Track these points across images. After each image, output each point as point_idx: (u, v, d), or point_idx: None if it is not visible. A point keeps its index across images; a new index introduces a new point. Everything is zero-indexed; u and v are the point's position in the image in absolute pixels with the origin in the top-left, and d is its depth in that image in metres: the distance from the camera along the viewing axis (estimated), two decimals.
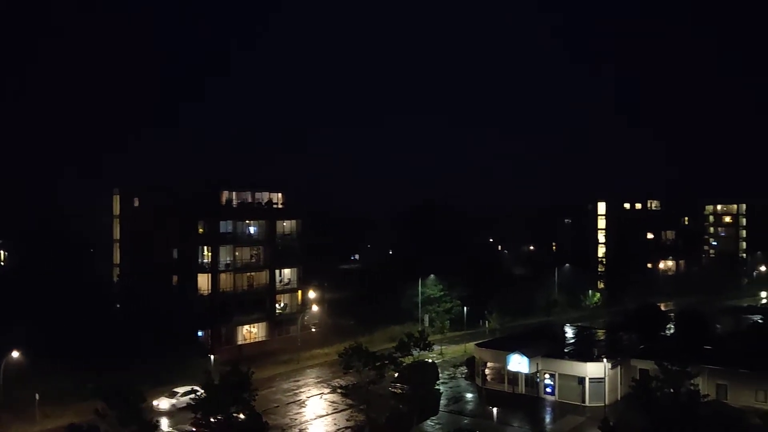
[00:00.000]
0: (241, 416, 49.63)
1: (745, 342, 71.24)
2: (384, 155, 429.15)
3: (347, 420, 56.93)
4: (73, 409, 54.84)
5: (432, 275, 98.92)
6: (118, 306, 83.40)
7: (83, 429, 40.61)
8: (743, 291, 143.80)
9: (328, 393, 64.05)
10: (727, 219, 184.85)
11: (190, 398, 52.25)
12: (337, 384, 56.99)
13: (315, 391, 66.95)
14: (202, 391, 46.62)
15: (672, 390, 44.45)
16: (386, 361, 55.38)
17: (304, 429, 55.68)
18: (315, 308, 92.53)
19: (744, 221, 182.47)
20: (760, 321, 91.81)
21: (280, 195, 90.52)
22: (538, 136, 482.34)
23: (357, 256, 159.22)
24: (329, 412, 60.12)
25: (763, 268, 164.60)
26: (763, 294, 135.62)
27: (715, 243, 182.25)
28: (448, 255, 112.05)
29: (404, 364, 59.87)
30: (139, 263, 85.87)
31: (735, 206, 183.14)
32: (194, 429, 49.07)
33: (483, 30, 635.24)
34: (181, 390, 59.19)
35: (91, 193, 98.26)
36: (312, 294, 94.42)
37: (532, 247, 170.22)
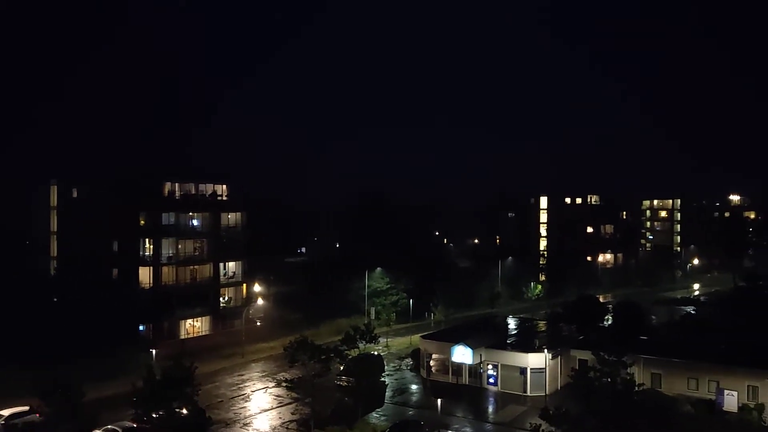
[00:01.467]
0: (184, 411, 49.02)
1: (679, 332, 74.13)
2: (337, 149, 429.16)
3: (292, 413, 56.78)
4: (9, 405, 52.89)
5: (379, 268, 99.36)
6: (55, 300, 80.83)
7: (18, 427, 39.38)
8: (677, 283, 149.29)
9: (273, 387, 63.70)
10: (663, 214, 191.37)
11: (21, 421, 49.25)
12: (282, 378, 56.73)
13: (260, 385, 66.48)
14: (38, 415, 44.48)
15: (609, 379, 45.89)
16: (332, 354, 55.44)
17: (249, 423, 55.25)
18: (260, 302, 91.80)
19: (678, 216, 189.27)
20: (692, 312, 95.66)
21: (224, 187, 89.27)
22: (498, 133, 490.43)
23: (303, 250, 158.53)
24: (274, 405, 59.82)
25: (696, 261, 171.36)
26: (696, 286, 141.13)
27: (651, 237, 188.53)
28: (395, 248, 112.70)
29: (350, 357, 60.07)
30: (77, 256, 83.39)
31: (670, 201, 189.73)
32: (134, 425, 48.23)
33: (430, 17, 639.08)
34: (6, 412, 50.85)
35: (28, 185, 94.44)
36: (257, 287, 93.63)
37: (477, 241, 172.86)
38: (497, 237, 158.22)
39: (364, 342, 65.28)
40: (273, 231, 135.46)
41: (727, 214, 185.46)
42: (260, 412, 58.10)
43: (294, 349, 54.11)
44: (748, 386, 56.24)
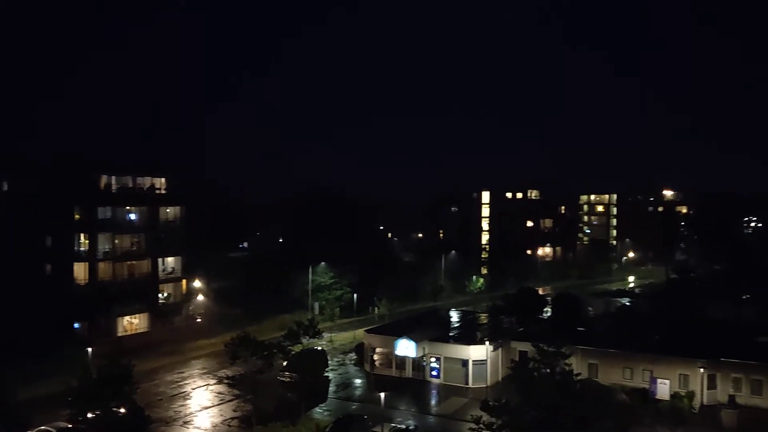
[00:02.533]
0: (122, 410, 47.81)
1: (615, 323, 76.36)
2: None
3: (234, 410, 55.99)
4: None
5: (323, 263, 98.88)
6: None
7: None
8: (613, 276, 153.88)
9: (214, 384, 62.61)
10: (600, 208, 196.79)
11: None
12: (223, 374, 55.80)
13: (200, 382, 65.34)
14: None
15: (548, 370, 46.82)
16: (274, 350, 54.88)
17: (189, 421, 54.22)
18: (201, 298, 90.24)
19: (614, 210, 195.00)
20: (627, 303, 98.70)
21: (163, 180, 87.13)
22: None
23: (246, 244, 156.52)
24: (215, 403, 58.89)
25: (631, 254, 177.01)
26: (631, 278, 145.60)
27: (588, 231, 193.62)
28: (340, 243, 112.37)
29: (293, 353, 59.63)
30: (8, 251, 80.00)
31: (607, 196, 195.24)
32: (69, 425, 46.72)
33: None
34: None
35: None
36: (197, 283, 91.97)
37: (421, 235, 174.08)
38: (441, 231, 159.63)
39: (307, 337, 64.92)
40: (215, 225, 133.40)
41: (660, 209, 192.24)
42: (201, 410, 57.12)
43: (235, 345, 53.34)
44: (679, 375, 58.44)
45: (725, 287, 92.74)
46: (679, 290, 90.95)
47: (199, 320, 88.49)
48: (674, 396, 56.89)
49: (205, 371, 69.12)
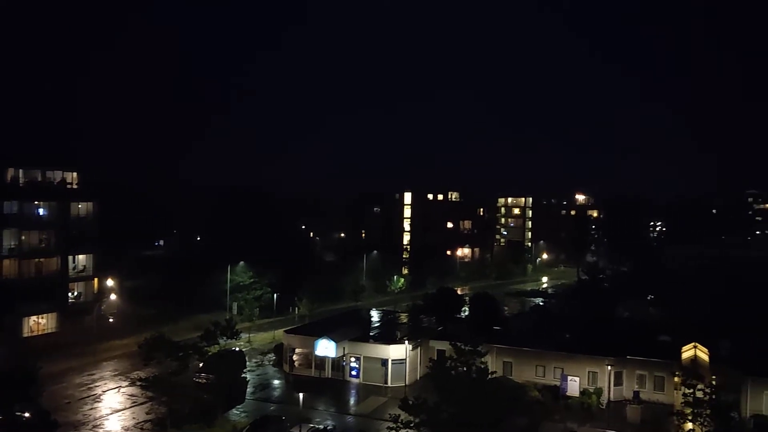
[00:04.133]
0: (26, 415, 45.70)
1: (529, 323, 78.84)
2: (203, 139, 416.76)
3: (147, 413, 54.34)
4: None
5: (242, 262, 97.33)
6: None
7: None
8: (528, 276, 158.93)
9: (127, 386, 60.67)
10: (516, 211, 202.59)
11: None
12: (136, 376, 54.14)
13: (112, 384, 63.10)
14: None
15: (464, 368, 47.87)
16: (190, 351, 53.76)
17: (99, 425, 52.31)
18: (113, 297, 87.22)
19: (530, 213, 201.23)
20: (541, 303, 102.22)
21: (74, 174, 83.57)
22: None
23: (161, 242, 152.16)
24: (127, 405, 57.03)
25: (545, 256, 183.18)
26: (545, 279, 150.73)
27: (505, 233, 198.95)
28: (260, 242, 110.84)
29: (210, 354, 58.53)
30: None
31: (523, 199, 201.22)
32: None
33: None
34: None
35: None
36: (110, 282, 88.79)
37: (343, 235, 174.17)
38: (363, 231, 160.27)
39: (224, 338, 63.85)
40: (131, 222, 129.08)
41: (573, 213, 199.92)
42: (112, 413, 55.21)
43: (149, 346, 51.91)
44: (588, 372, 61.00)
45: (632, 288, 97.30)
46: (589, 290, 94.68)
47: (111, 320, 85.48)
48: (583, 392, 59.31)
49: (117, 373, 66.79)
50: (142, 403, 56.63)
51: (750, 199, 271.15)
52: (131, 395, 58.85)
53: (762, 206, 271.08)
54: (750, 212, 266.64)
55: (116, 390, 61.26)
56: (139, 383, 51.72)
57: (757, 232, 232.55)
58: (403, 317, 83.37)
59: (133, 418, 53.98)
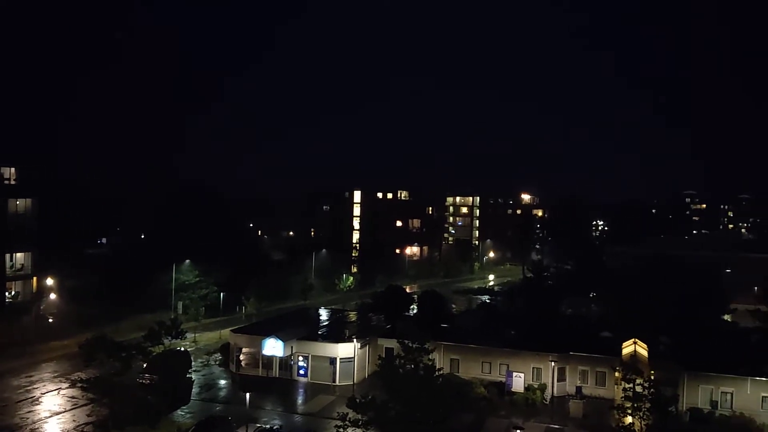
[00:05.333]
0: None
1: (475, 320, 79.89)
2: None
3: (88, 415, 52.84)
4: None
5: (187, 261, 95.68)
6: None
7: None
8: (475, 274, 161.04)
9: (67, 388, 58.96)
10: (464, 210, 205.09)
11: None
12: (77, 378, 52.65)
13: (51, 386, 61.21)
14: None
15: (412, 365, 48.23)
16: (133, 352, 52.64)
17: (37, 428, 50.68)
18: (53, 296, 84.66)
19: (477, 212, 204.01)
20: (487, 301, 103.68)
21: (13, 170, 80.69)
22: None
23: (104, 240, 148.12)
24: (68, 408, 55.41)
25: (492, 254, 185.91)
26: (491, 277, 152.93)
27: (453, 231, 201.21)
28: (206, 240, 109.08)
29: (154, 354, 57.42)
30: None
31: (470, 198, 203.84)
32: None
33: None
34: None
35: None
36: (50, 281, 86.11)
37: (292, 234, 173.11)
38: (313, 230, 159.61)
39: (169, 338, 62.67)
40: (73, 220, 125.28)
41: (519, 212, 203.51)
42: (51, 416, 53.57)
43: (90, 346, 50.58)
44: (533, 368, 62.15)
45: (575, 285, 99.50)
46: (534, 288, 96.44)
47: (51, 320, 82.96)
48: (528, 388, 60.44)
49: (56, 374, 64.81)
50: (83, 406, 55.09)
51: (687, 200, 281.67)
52: (72, 397, 57.20)
53: (698, 207, 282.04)
54: (687, 212, 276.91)
55: (56, 392, 59.48)
56: (79, 385, 50.27)
57: (694, 232, 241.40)
58: (352, 316, 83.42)
59: (74, 420, 52.51)
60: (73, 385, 54.54)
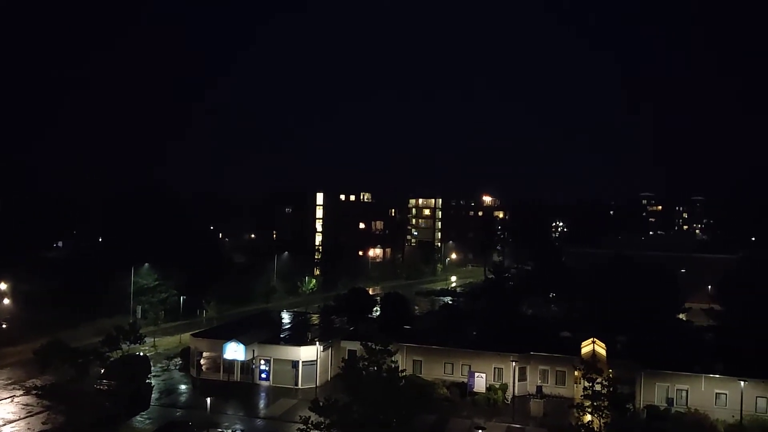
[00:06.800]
0: None
1: (438, 321, 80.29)
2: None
3: (44, 423, 51.58)
4: None
5: (146, 264, 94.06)
6: None
7: None
8: (438, 276, 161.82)
9: (21, 395, 57.40)
10: (426, 212, 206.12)
11: None
12: (32, 384, 51.32)
13: (5, 394, 59.48)
14: None
15: (375, 367, 48.26)
16: (91, 357, 51.58)
17: None
18: (6, 301, 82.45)
19: (439, 214, 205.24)
20: (450, 302, 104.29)
21: None
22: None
23: (60, 243, 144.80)
24: (22, 416, 53.93)
25: (454, 256, 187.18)
26: (454, 278, 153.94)
27: (416, 233, 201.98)
28: (166, 243, 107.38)
29: (112, 359, 56.37)
30: None
31: (432, 200, 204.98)
32: None
33: None
34: None
35: None
36: (2, 285, 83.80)
37: (253, 235, 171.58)
38: (275, 232, 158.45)
39: (128, 343, 61.56)
40: (27, 222, 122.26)
41: (480, 213, 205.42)
42: (5, 424, 52.08)
43: (46, 352, 49.41)
44: (494, 368, 62.79)
45: (535, 286, 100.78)
46: (496, 289, 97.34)
47: (4, 326, 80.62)
48: (489, 388, 61.00)
49: (10, 382, 62.96)
50: (38, 413, 53.73)
51: (644, 201, 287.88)
52: (26, 405, 55.70)
53: (654, 208, 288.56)
54: (644, 214, 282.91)
55: (9, 399, 57.83)
56: (34, 392, 49.12)
57: (650, 233, 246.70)
58: (315, 318, 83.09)
59: (28, 429, 51.16)
60: (27, 393, 53.21)
